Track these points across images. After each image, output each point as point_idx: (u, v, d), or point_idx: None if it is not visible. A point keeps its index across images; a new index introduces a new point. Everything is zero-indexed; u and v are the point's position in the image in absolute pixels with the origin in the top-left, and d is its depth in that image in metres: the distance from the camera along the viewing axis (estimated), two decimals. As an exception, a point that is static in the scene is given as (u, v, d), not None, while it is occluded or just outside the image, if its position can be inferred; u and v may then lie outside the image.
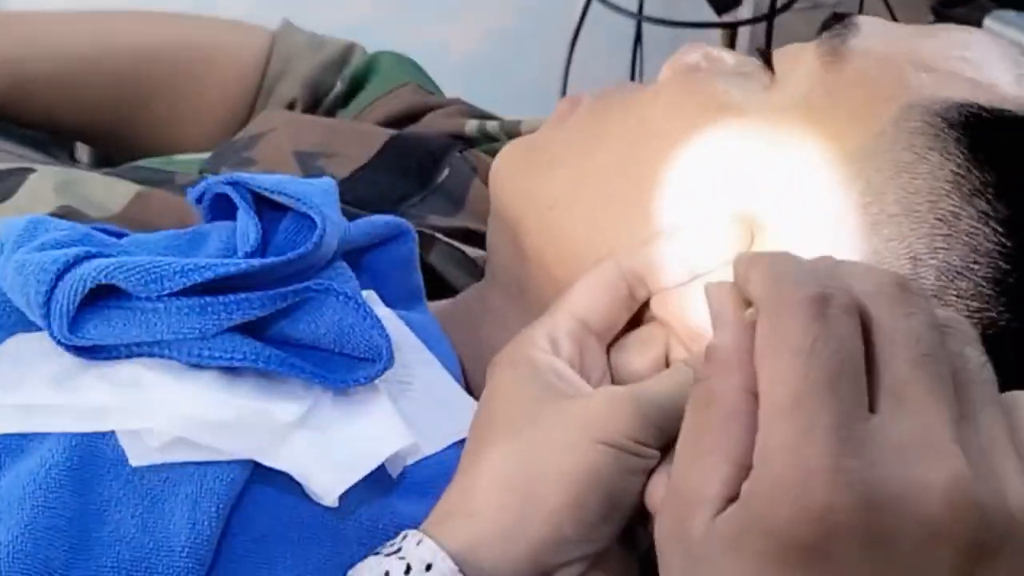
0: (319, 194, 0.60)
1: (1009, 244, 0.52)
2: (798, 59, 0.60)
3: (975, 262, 0.52)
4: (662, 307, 0.57)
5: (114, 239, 0.61)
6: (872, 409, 0.41)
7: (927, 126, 0.55)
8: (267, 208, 0.61)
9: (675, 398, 0.50)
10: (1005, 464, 0.41)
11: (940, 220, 0.53)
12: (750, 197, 0.56)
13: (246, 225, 0.59)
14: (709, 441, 0.43)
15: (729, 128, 0.58)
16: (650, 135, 0.60)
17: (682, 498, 0.43)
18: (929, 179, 0.54)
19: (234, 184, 0.61)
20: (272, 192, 0.60)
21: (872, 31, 0.59)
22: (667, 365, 0.56)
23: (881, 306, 0.43)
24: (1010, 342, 0.52)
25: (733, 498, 0.41)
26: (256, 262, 0.56)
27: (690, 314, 0.56)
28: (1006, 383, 0.52)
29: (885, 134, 0.55)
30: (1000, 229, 0.53)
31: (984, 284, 0.52)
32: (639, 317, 0.58)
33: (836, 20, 0.60)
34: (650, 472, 0.50)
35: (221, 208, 0.62)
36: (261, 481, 0.53)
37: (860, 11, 2.12)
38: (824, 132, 0.57)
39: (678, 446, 0.44)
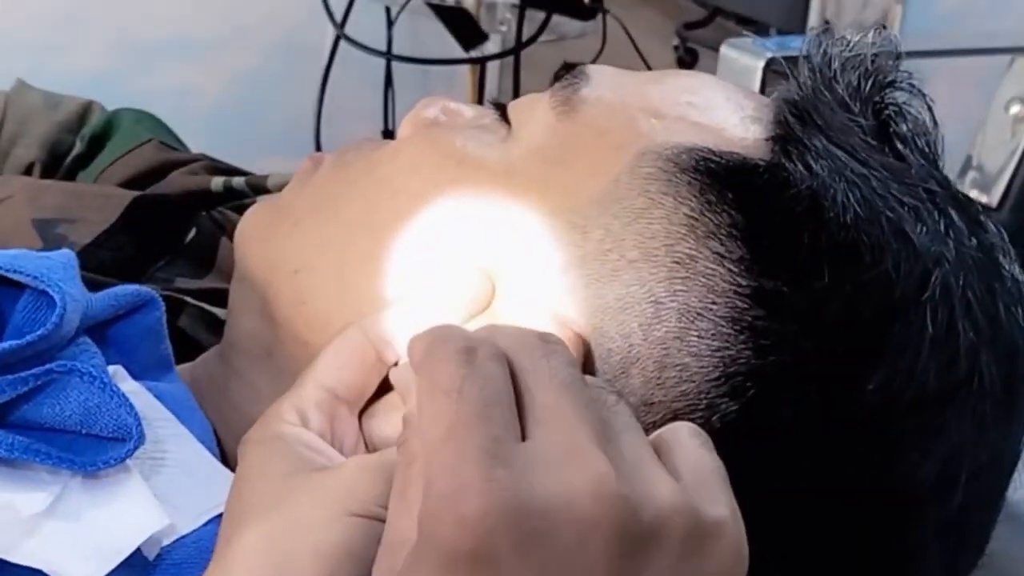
0: (58, 268, 0.59)
1: (744, 283, 0.54)
2: (533, 110, 0.61)
3: (713, 302, 0.54)
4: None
5: None
6: (522, 438, 0.45)
7: (660, 171, 0.56)
8: (3, 286, 0.59)
9: None
10: (652, 470, 0.45)
11: (677, 263, 0.55)
12: (489, 252, 0.57)
13: (-21, 307, 0.57)
14: (410, 496, 0.45)
15: (467, 183, 0.59)
16: (390, 193, 0.60)
17: (391, 549, 0.46)
18: (665, 223, 0.55)
19: (-34, 264, 0.58)
20: (7, 271, 0.58)
21: (602, 80, 0.61)
22: None
23: (523, 353, 0.47)
24: (751, 380, 0.53)
25: None
26: (-7, 347, 0.54)
27: None
28: (748, 420, 0.54)
29: (620, 181, 0.57)
30: (735, 269, 0.54)
31: (723, 323, 0.54)
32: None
33: (566, 70, 0.61)
34: None
35: (-47, 287, 0.60)
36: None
37: (604, 41, 2.18)
38: (561, 182, 0.58)
39: (390, 505, 0.47)
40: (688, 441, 0.48)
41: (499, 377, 0.46)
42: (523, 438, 0.45)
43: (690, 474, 0.46)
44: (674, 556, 0.44)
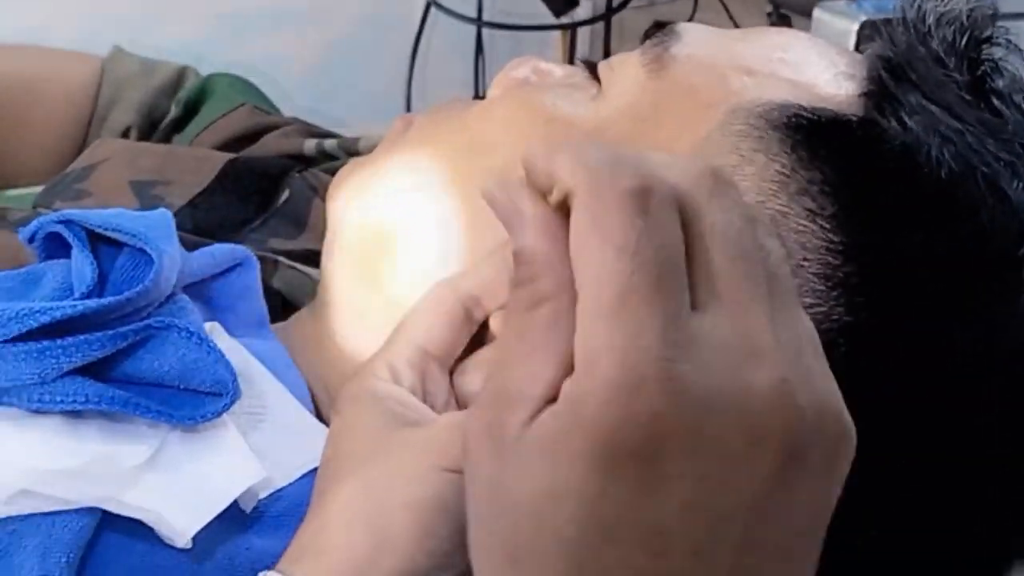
0: (154, 228, 0.60)
1: (836, 239, 0.54)
2: (623, 68, 0.61)
3: (805, 259, 0.54)
4: (500, 326, 0.57)
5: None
6: (694, 306, 0.40)
7: (751, 128, 0.56)
8: (103, 244, 0.60)
9: None
10: (813, 365, 0.42)
11: (770, 220, 0.54)
12: None
13: (81, 264, 0.58)
14: (534, 340, 0.41)
15: (558, 141, 0.58)
16: (481, 152, 0.60)
17: (501, 396, 0.41)
18: (756, 180, 0.55)
19: (67, 222, 0.60)
20: (105, 229, 0.59)
21: (693, 38, 0.60)
22: None
23: (698, 199, 0.42)
24: (843, 337, 0.53)
25: (552, 400, 0.40)
26: (93, 303, 0.55)
27: None
28: (840, 377, 0.54)
29: (711, 139, 0.56)
30: (827, 225, 0.54)
31: (815, 280, 0.54)
32: (481, 338, 0.58)
33: (658, 28, 0.61)
34: None
35: (55, 246, 0.61)
36: (112, 527, 0.52)
37: (695, 5, 2.16)
38: (651, 140, 0.57)
39: (499, 346, 0.43)
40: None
41: (675, 232, 0.40)
42: (694, 304, 0.40)
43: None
44: (821, 470, 0.42)
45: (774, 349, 0.40)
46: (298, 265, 0.76)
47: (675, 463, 0.39)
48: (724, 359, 0.39)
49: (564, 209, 0.42)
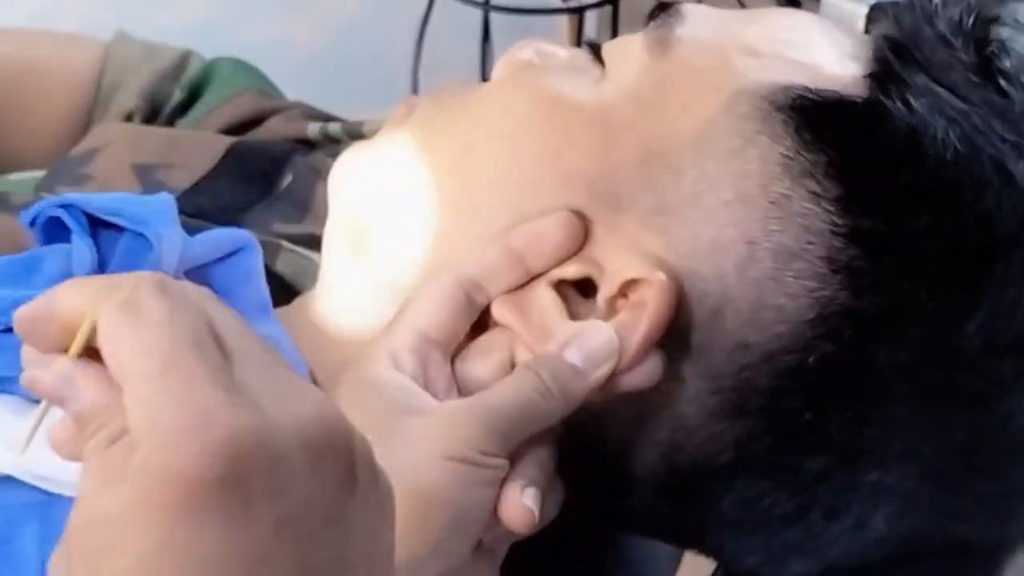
0: (156, 212, 0.59)
1: (840, 223, 0.53)
2: (627, 51, 0.60)
3: (809, 242, 0.53)
4: (502, 312, 0.57)
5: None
6: None
7: (755, 110, 0.56)
8: (103, 229, 0.60)
9: (519, 404, 0.50)
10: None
11: (773, 203, 0.54)
12: (582, 193, 0.57)
13: (80, 249, 0.58)
14: (117, 471, 0.40)
15: (560, 124, 0.58)
16: (483, 135, 0.60)
17: (89, 526, 0.39)
18: (760, 163, 0.55)
19: (67, 206, 0.59)
20: (106, 214, 0.58)
21: (697, 20, 0.60)
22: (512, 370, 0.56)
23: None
24: (848, 321, 0.53)
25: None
26: (92, 287, 0.55)
27: (530, 316, 0.56)
28: (845, 361, 0.53)
29: (715, 121, 0.56)
30: (831, 208, 0.53)
31: (819, 264, 0.53)
32: (483, 324, 0.57)
33: (662, 9, 0.60)
34: (501, 482, 0.50)
35: (56, 230, 0.61)
36: None
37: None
38: (654, 123, 0.57)
39: (84, 489, 0.41)
40: None
41: (198, 309, 0.42)
42: None
43: None
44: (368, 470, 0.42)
45: (303, 384, 0.42)
46: (301, 249, 0.76)
47: (257, 484, 0.38)
48: (269, 396, 0.40)
49: (89, 352, 0.42)
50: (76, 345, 0.42)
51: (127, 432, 0.40)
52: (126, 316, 0.41)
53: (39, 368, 0.43)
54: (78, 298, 0.43)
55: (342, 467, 0.40)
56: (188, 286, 0.44)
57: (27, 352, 0.44)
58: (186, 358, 0.39)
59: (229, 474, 0.38)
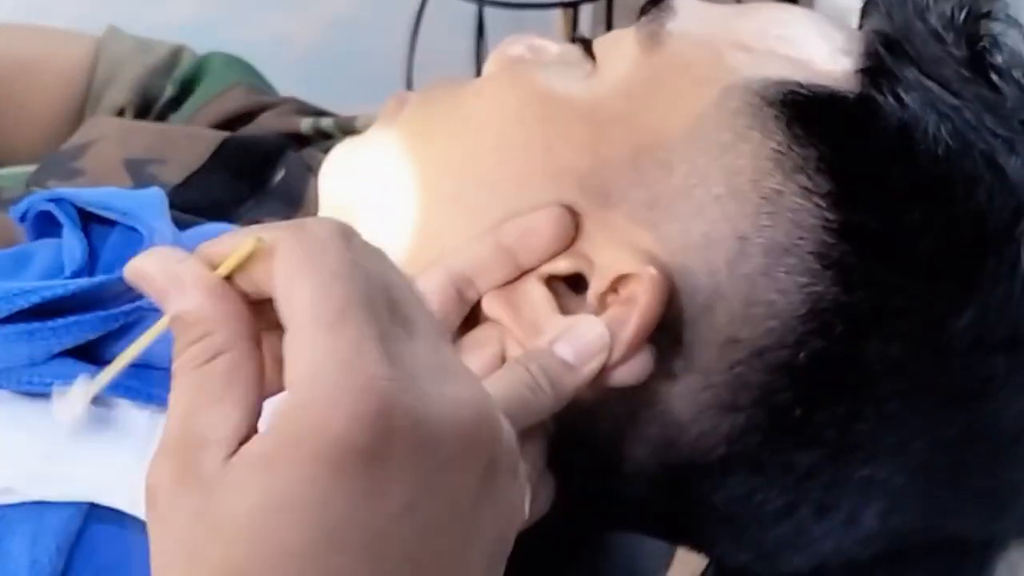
0: (147, 206, 0.59)
1: (832, 218, 0.53)
2: (618, 45, 0.60)
3: (800, 238, 0.53)
4: (492, 307, 0.56)
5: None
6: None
7: (747, 106, 0.56)
8: (94, 222, 0.60)
9: (509, 398, 0.50)
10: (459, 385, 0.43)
11: (764, 198, 0.54)
12: (573, 189, 0.57)
13: (71, 243, 0.58)
14: (215, 389, 0.42)
15: (551, 119, 0.58)
16: (474, 131, 0.60)
17: (190, 441, 0.41)
18: (751, 158, 0.55)
19: (58, 200, 0.59)
20: (96, 207, 0.58)
21: (689, 14, 0.60)
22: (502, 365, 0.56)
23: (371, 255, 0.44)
24: (840, 317, 0.53)
25: (244, 440, 0.41)
26: (84, 282, 0.55)
27: (520, 311, 0.56)
28: (836, 357, 0.53)
29: (706, 116, 0.56)
30: (823, 204, 0.53)
31: (811, 259, 0.53)
32: (474, 319, 0.57)
33: (653, 3, 0.60)
34: None
35: (47, 224, 0.61)
36: (100, 519, 0.52)
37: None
38: (646, 118, 0.57)
39: (176, 400, 0.43)
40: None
41: (380, 267, 0.43)
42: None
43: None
44: (510, 472, 0.43)
45: (467, 369, 0.43)
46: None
47: (398, 464, 0.39)
48: (430, 374, 0.41)
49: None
50: (229, 262, 0.42)
51: (228, 350, 0.41)
52: (308, 256, 0.41)
53: (147, 260, 0.43)
54: (241, 235, 0.43)
55: (483, 462, 0.41)
56: (372, 246, 0.44)
57: (142, 257, 0.44)
58: (358, 317, 0.40)
59: (372, 447, 0.39)
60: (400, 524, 0.40)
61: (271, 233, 0.43)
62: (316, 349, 0.39)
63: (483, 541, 0.42)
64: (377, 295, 0.41)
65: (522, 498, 0.44)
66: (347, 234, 0.42)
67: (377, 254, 0.44)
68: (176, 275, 0.43)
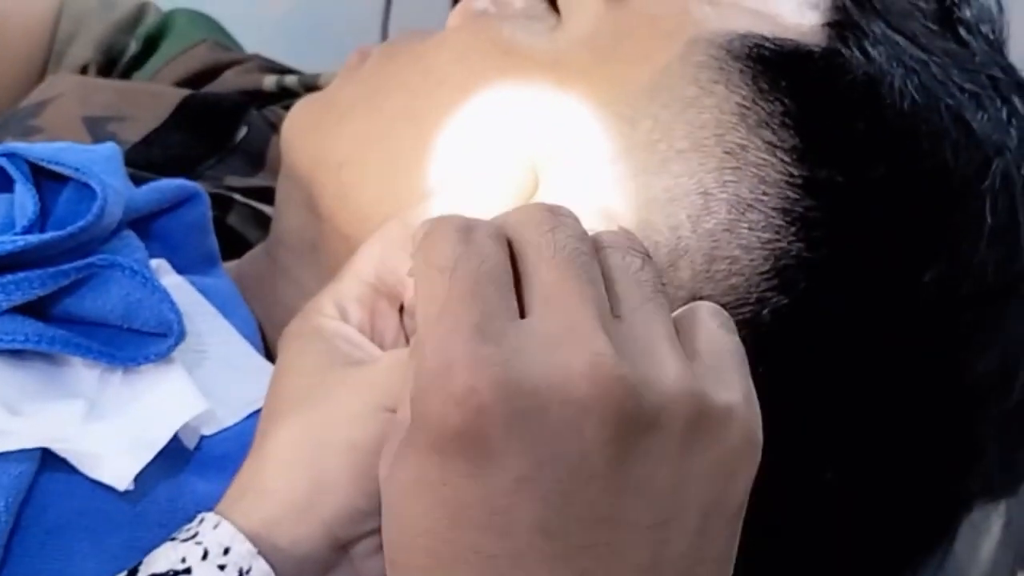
0: (100, 161, 0.58)
1: (796, 173, 0.52)
2: None
3: (764, 193, 0.53)
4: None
5: None
6: (525, 313, 0.42)
7: (712, 59, 0.55)
8: (48, 179, 0.58)
9: None
10: (661, 348, 0.42)
11: (728, 153, 0.53)
12: (534, 144, 0.56)
13: (23, 198, 0.56)
14: None
15: (514, 73, 0.57)
16: (435, 84, 0.59)
17: (395, 435, 0.44)
18: (716, 112, 0.54)
19: (10, 156, 0.58)
20: (49, 163, 0.57)
21: None
22: None
23: (527, 227, 0.44)
24: (803, 273, 0.52)
25: None
26: (34, 238, 0.54)
27: None
28: (800, 314, 0.53)
29: (671, 70, 0.55)
30: (787, 159, 0.53)
31: (774, 215, 0.52)
32: None
33: (618, -45, 0.59)
34: None
35: (1, 180, 0.59)
36: (51, 470, 0.50)
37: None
38: (609, 71, 0.56)
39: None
40: (708, 321, 0.44)
41: (496, 254, 0.43)
42: (525, 311, 0.43)
43: (706, 355, 0.43)
44: (676, 442, 0.41)
45: (594, 332, 0.41)
46: (253, 202, 0.74)
47: (500, 439, 0.40)
48: (541, 343, 0.41)
49: None
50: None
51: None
52: (421, 264, 0.43)
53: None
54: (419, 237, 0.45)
55: (610, 424, 0.40)
56: (520, 213, 0.46)
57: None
58: (456, 303, 0.41)
59: (466, 427, 0.40)
60: (519, 497, 0.40)
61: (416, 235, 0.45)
62: (421, 345, 0.41)
63: (644, 508, 0.41)
64: (488, 280, 0.42)
65: (705, 468, 0.42)
66: (466, 227, 0.44)
67: (528, 219, 0.45)
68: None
